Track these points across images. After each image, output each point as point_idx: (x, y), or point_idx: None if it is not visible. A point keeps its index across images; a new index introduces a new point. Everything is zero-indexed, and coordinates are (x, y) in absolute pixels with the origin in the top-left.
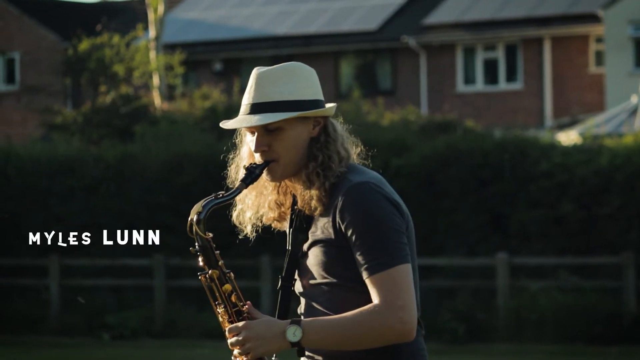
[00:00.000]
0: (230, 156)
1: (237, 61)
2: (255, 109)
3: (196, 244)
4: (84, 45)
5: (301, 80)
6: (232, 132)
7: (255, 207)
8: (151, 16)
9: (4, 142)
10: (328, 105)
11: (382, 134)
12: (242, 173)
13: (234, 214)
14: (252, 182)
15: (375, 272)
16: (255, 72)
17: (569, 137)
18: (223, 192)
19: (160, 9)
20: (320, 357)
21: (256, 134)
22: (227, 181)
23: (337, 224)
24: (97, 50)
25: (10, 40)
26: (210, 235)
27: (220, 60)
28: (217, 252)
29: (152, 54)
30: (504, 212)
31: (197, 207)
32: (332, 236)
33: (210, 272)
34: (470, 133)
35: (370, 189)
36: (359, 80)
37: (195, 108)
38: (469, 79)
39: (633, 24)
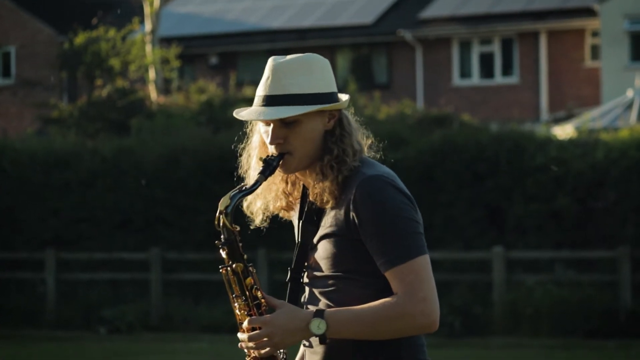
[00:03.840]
0: (241, 145)
1: (232, 55)
2: (272, 101)
3: (222, 236)
4: (80, 38)
5: (317, 73)
6: (229, 126)
7: (264, 196)
8: (147, 10)
9: (0, 136)
10: (341, 96)
11: (378, 127)
12: (258, 165)
13: (245, 204)
14: (270, 174)
15: (395, 265)
16: (271, 62)
17: (564, 131)
18: (246, 184)
19: (156, 2)
20: (320, 349)
21: (272, 125)
22: (240, 170)
23: (351, 217)
24: (93, 43)
25: (6, 34)
26: (238, 228)
27: (216, 54)
28: (241, 244)
29: (148, 48)
30: (500, 206)
31: (224, 200)
32: (345, 229)
33: (234, 265)
34: (467, 127)
35: (384, 182)
36: (355, 74)
37: (191, 102)
38: (465, 73)
39: (629, 17)
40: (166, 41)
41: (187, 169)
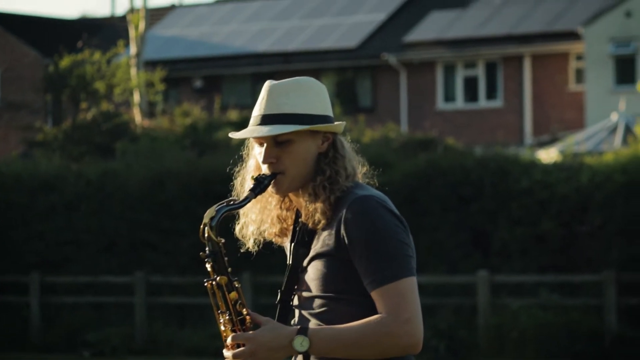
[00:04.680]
0: (237, 169)
1: (217, 78)
2: (266, 120)
3: (207, 249)
4: (65, 62)
5: (312, 95)
6: (213, 149)
7: (258, 221)
8: (132, 33)
9: None
10: (337, 123)
11: (363, 151)
12: (250, 183)
13: (237, 228)
14: (260, 192)
15: (382, 285)
16: (267, 84)
17: (549, 155)
18: (235, 198)
19: (141, 25)
20: None
21: (265, 145)
22: (233, 193)
23: (342, 236)
24: (78, 66)
25: None
26: (222, 240)
27: (201, 77)
28: (226, 259)
29: (133, 71)
30: (485, 230)
31: (210, 212)
32: (334, 249)
33: (218, 278)
34: (451, 150)
35: (375, 202)
36: (340, 98)
37: (175, 125)
38: (449, 97)
39: (613, 41)
40: (151, 64)
41: (171, 192)
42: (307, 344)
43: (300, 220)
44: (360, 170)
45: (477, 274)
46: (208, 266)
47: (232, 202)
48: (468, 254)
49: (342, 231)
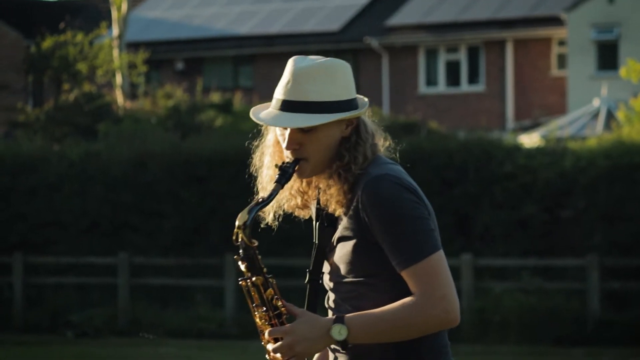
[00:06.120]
0: (255, 143)
1: (199, 60)
2: (291, 106)
3: (240, 250)
4: (47, 43)
5: (339, 80)
6: (196, 131)
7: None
8: (115, 14)
9: None
10: (360, 99)
11: None
12: (269, 164)
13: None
14: (286, 182)
15: (411, 264)
16: (291, 66)
17: (531, 140)
18: (262, 196)
19: (124, 7)
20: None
21: (288, 130)
22: (251, 169)
23: (363, 219)
24: (61, 48)
25: None
26: (256, 243)
27: (183, 59)
28: (260, 257)
29: (115, 53)
30: (468, 214)
31: (242, 215)
32: (359, 232)
33: (254, 278)
34: (435, 134)
35: (389, 181)
36: None
37: (157, 107)
38: (431, 81)
39: (596, 27)
40: (133, 46)
41: (154, 174)
42: (345, 332)
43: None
44: (383, 144)
45: (461, 258)
46: (242, 266)
47: (260, 200)
48: (451, 237)
49: (363, 215)
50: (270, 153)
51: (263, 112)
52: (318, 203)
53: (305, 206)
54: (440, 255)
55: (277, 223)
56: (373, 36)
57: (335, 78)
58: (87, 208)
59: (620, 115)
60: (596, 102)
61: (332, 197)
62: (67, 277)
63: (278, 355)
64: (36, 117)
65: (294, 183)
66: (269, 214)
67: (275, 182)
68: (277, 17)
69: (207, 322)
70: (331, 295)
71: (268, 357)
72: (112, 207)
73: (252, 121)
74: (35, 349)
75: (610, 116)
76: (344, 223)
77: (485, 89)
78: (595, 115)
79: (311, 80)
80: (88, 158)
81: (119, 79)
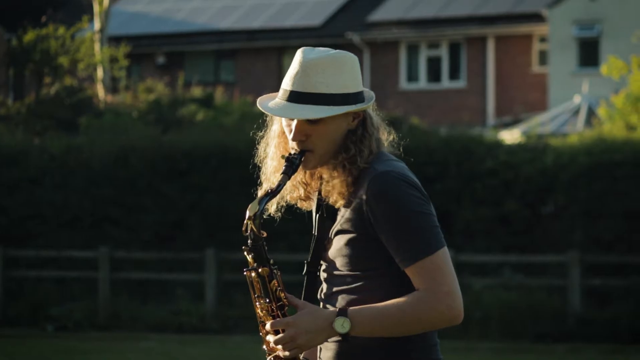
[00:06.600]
0: (260, 133)
1: (180, 55)
2: (299, 97)
3: (249, 241)
4: (29, 36)
5: (347, 72)
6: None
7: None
8: (96, 8)
9: None
10: (367, 93)
11: None
12: (274, 155)
13: (260, 193)
14: (293, 173)
15: (415, 261)
16: (300, 57)
17: (512, 136)
18: (270, 187)
19: (105, 1)
20: (333, 345)
21: (295, 121)
22: (256, 159)
23: (366, 215)
24: (42, 41)
25: None
26: (265, 234)
27: (164, 53)
28: (266, 248)
29: (97, 46)
30: (449, 210)
31: (253, 206)
32: (359, 227)
33: (260, 269)
34: (416, 130)
35: (394, 177)
36: None
37: (139, 101)
38: (412, 77)
39: (577, 23)
40: (115, 40)
41: (135, 168)
42: (348, 325)
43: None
44: (387, 139)
45: None
46: (249, 257)
47: (269, 191)
48: None
49: (366, 210)
50: (275, 144)
51: (270, 103)
52: (319, 195)
53: (307, 198)
54: (445, 251)
55: (279, 214)
56: (354, 31)
57: (344, 70)
58: (67, 202)
59: (601, 112)
60: (577, 99)
61: (335, 189)
62: (47, 270)
63: (279, 347)
64: (17, 111)
65: (297, 174)
66: (271, 205)
67: (282, 173)
68: (258, 12)
69: (188, 317)
70: (324, 287)
71: (266, 348)
72: (93, 201)
73: (233, 116)
74: (15, 342)
75: (591, 113)
76: (344, 216)
77: (466, 85)
78: (576, 112)
79: (320, 72)
80: (69, 152)
81: (100, 72)
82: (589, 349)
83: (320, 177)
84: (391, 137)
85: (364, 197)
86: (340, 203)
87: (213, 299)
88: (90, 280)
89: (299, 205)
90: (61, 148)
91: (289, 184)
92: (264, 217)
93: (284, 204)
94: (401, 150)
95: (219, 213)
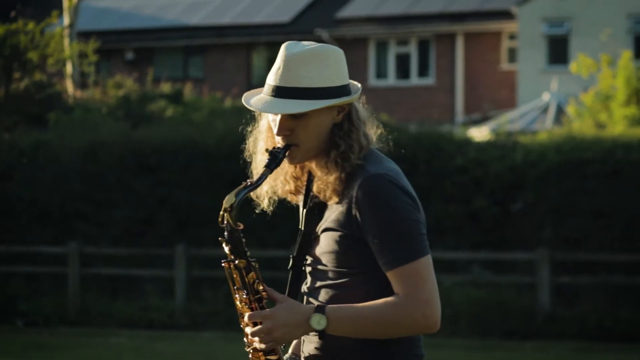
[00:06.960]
0: (249, 129)
1: (149, 51)
2: (283, 92)
3: (225, 233)
4: None
5: (331, 66)
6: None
7: (272, 179)
8: (65, 3)
9: None
10: (353, 82)
11: None
12: (262, 150)
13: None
14: (276, 167)
15: (397, 266)
16: (283, 51)
17: (481, 133)
18: (251, 180)
19: None
20: (314, 344)
21: (279, 116)
22: (245, 154)
23: (354, 215)
24: (12, 36)
25: None
26: (241, 226)
27: (133, 49)
28: (244, 241)
29: (66, 42)
30: None
31: (229, 198)
32: (347, 226)
33: (237, 261)
34: (385, 127)
35: (386, 180)
36: None
37: (108, 96)
38: (381, 73)
39: (547, 21)
40: (84, 35)
41: (104, 164)
42: (324, 323)
43: (312, 188)
44: (375, 132)
45: None
46: (226, 249)
47: (249, 183)
48: None
49: (355, 210)
50: (263, 138)
51: (254, 98)
52: (307, 189)
53: (298, 192)
54: (428, 260)
55: (271, 208)
56: (323, 28)
57: (328, 64)
58: (37, 197)
59: (570, 110)
60: (546, 97)
61: (329, 186)
62: (17, 265)
63: (256, 339)
64: None
65: (289, 168)
66: (263, 200)
67: (265, 166)
68: (227, 8)
69: (158, 312)
70: (309, 280)
71: (246, 340)
72: (62, 197)
73: (202, 112)
74: None
75: (560, 111)
76: (333, 214)
77: (435, 82)
78: (545, 109)
79: (303, 66)
80: (38, 147)
81: (69, 68)
82: (557, 347)
83: (309, 172)
84: (379, 131)
85: (354, 197)
86: (333, 200)
87: (182, 295)
88: (60, 275)
89: (289, 199)
90: (30, 143)
91: (281, 177)
92: (260, 212)
93: (276, 198)
94: (391, 144)
95: (188, 209)
